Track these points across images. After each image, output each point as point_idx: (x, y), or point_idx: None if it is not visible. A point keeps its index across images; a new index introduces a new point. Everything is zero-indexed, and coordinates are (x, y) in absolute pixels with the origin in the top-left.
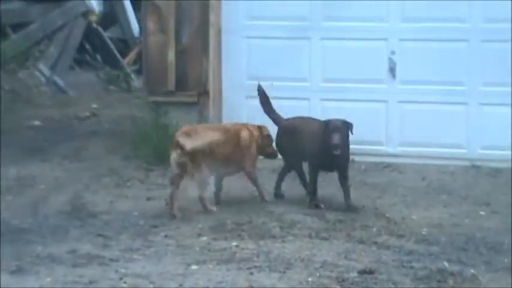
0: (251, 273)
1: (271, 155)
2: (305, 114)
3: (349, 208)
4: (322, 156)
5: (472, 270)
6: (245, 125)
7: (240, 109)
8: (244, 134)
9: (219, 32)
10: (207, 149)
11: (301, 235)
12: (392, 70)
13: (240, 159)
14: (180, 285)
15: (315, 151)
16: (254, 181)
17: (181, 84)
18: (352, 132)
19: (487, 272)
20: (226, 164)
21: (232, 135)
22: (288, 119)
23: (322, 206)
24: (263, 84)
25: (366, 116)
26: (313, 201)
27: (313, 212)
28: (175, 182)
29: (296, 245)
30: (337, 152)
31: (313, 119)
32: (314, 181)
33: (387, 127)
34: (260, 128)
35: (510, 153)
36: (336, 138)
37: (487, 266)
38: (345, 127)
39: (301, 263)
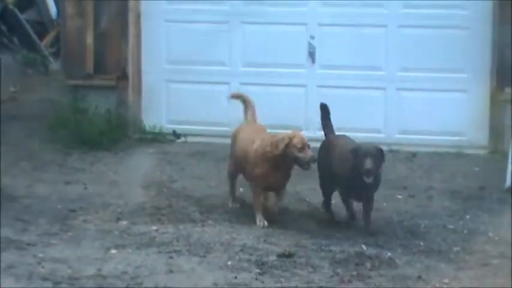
0: (171, 257)
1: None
2: (224, 98)
3: (368, 232)
4: (351, 182)
5: (389, 254)
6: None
7: (159, 93)
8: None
9: (138, 16)
10: None
11: (221, 219)
12: (311, 55)
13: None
14: (99, 269)
15: (344, 175)
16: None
17: (100, 67)
18: (384, 160)
19: (403, 255)
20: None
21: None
22: (329, 135)
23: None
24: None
25: (285, 101)
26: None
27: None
28: (234, 176)
29: (216, 229)
30: (369, 180)
31: (353, 140)
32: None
33: (307, 111)
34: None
35: (426, 137)
36: (368, 163)
37: (404, 249)
38: (379, 154)
39: (220, 246)
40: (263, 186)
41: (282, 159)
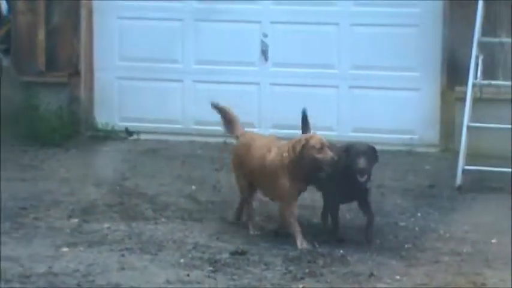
0: (122, 255)
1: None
2: (177, 95)
3: (367, 240)
4: (342, 184)
5: (341, 251)
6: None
7: (112, 90)
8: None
9: (90, 12)
10: None
11: (173, 217)
12: (264, 52)
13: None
14: (50, 267)
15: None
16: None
17: (52, 64)
18: (377, 159)
19: (355, 252)
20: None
21: None
22: None
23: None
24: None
25: (238, 98)
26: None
27: (186, 194)
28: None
29: (168, 226)
30: (363, 179)
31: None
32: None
33: (259, 109)
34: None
35: (378, 135)
36: (361, 163)
37: (356, 246)
38: (372, 152)
39: (173, 244)
40: (295, 198)
41: (302, 164)
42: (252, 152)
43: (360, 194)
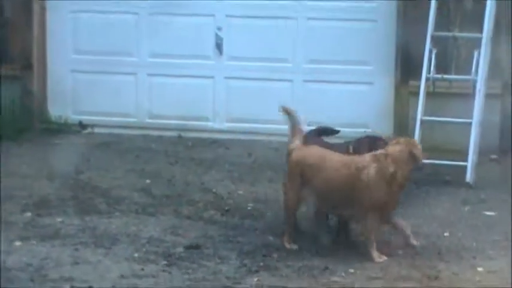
0: (76, 249)
1: None
2: (131, 89)
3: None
4: None
5: (296, 245)
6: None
7: (65, 83)
8: None
9: (43, 5)
10: None
11: (127, 211)
12: (219, 46)
13: None
14: (3, 262)
15: None
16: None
17: (4, 57)
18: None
19: (310, 245)
20: None
21: None
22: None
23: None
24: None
25: (192, 92)
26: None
27: (140, 188)
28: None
29: (122, 220)
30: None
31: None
32: None
33: (214, 103)
34: None
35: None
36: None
37: (311, 240)
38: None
39: (127, 238)
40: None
41: (407, 172)
42: (330, 169)
43: None
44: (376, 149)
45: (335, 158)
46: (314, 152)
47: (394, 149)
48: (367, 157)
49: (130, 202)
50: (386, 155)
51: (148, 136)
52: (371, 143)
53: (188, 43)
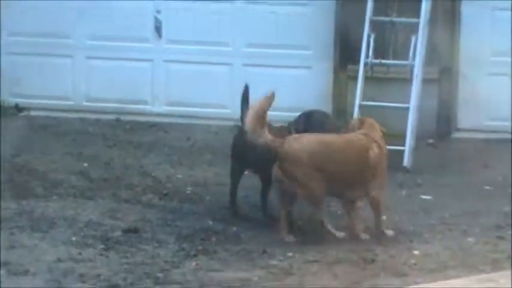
0: (12, 233)
1: None
2: (68, 71)
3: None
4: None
5: (234, 228)
6: None
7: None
8: None
9: None
10: None
11: (65, 194)
12: (158, 29)
13: None
14: None
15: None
16: None
17: None
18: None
19: (249, 229)
20: None
21: None
22: None
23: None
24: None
25: (131, 75)
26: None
27: (78, 171)
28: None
29: (60, 204)
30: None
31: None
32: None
33: (153, 86)
34: None
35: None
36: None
37: (249, 224)
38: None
39: (64, 222)
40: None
41: None
42: (341, 154)
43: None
44: (314, 123)
45: (338, 141)
46: (313, 139)
47: (374, 128)
48: (362, 137)
49: (68, 185)
50: (373, 134)
51: (85, 119)
52: (307, 117)
53: (127, 26)
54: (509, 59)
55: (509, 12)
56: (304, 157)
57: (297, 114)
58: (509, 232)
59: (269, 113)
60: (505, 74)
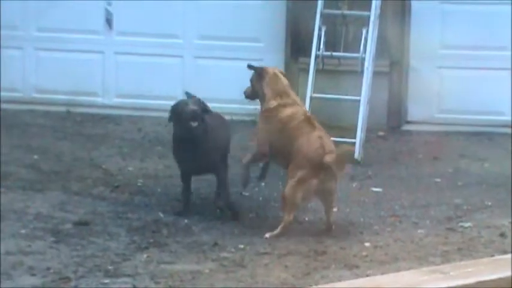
0: None
1: None
2: (17, 63)
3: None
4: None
5: (185, 221)
6: None
7: None
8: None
9: None
10: None
11: (14, 187)
12: (109, 21)
13: None
14: None
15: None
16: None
17: None
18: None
19: (200, 222)
20: None
21: None
22: None
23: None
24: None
25: (82, 67)
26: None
27: (28, 164)
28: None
29: (9, 196)
30: (195, 124)
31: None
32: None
33: (104, 78)
34: None
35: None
36: (190, 108)
37: (200, 216)
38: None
39: (14, 215)
40: None
41: None
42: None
43: (207, 161)
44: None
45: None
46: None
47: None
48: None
49: (17, 178)
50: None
51: (35, 111)
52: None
53: (78, 17)
54: (459, 52)
55: (458, 5)
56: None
57: (247, 107)
58: (460, 224)
59: (220, 105)
60: (455, 66)
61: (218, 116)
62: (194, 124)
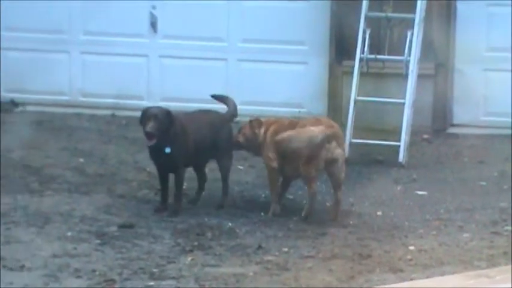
0: (8, 229)
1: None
2: (64, 67)
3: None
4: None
5: (229, 224)
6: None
7: None
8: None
9: None
10: None
11: (60, 189)
12: (153, 24)
13: None
14: None
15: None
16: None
17: None
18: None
19: (244, 225)
20: None
21: None
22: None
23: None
24: None
25: (127, 71)
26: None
27: (73, 167)
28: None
29: (55, 199)
30: (151, 143)
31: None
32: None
33: (148, 82)
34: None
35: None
36: (149, 126)
37: (245, 219)
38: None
39: (60, 217)
40: None
41: None
42: None
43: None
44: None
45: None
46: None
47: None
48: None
49: (63, 181)
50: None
51: (81, 114)
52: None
53: (123, 21)
54: (505, 54)
55: (504, 8)
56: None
57: (292, 110)
58: (505, 228)
59: (264, 108)
60: (501, 69)
61: (207, 116)
62: (150, 143)
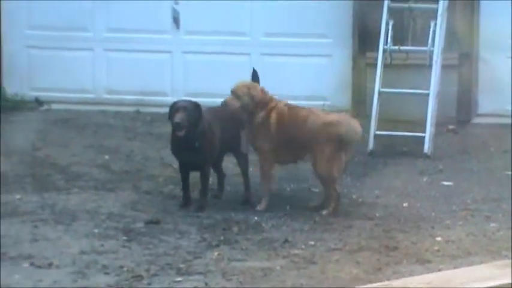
0: (35, 226)
1: None
2: (88, 64)
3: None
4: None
5: (255, 218)
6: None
7: (20, 59)
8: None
9: None
10: None
11: (86, 187)
12: (176, 20)
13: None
14: None
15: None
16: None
17: None
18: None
19: (270, 218)
20: None
21: None
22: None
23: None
24: None
25: (150, 67)
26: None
27: (99, 164)
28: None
29: (81, 197)
30: (181, 133)
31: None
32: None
33: (172, 78)
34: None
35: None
36: (177, 117)
37: (270, 213)
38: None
39: (87, 214)
40: None
41: None
42: None
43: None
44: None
45: None
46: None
47: None
48: None
49: (89, 178)
50: None
51: (106, 112)
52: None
53: (145, 17)
54: None
55: None
56: None
57: (316, 102)
58: None
59: (289, 101)
60: None
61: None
62: (180, 133)
